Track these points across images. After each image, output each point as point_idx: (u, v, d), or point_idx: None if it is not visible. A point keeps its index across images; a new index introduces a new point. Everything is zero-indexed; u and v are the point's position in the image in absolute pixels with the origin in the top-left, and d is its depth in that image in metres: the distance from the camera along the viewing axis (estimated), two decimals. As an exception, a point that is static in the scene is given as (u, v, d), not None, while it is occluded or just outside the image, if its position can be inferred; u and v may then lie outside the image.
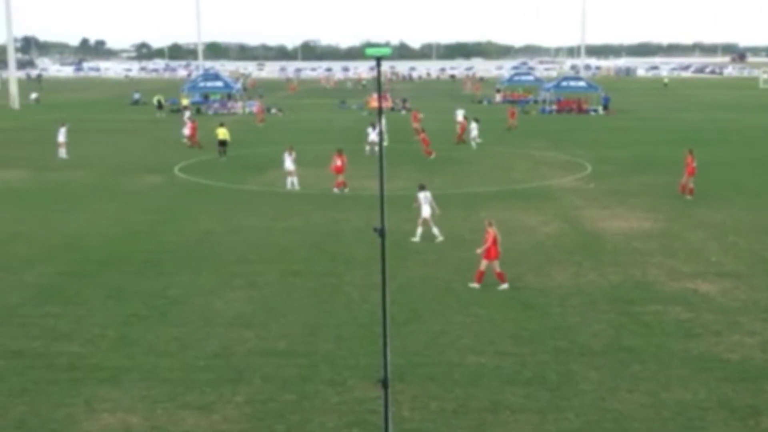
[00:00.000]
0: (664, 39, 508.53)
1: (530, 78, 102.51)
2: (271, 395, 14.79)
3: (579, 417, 13.90)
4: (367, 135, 48.41)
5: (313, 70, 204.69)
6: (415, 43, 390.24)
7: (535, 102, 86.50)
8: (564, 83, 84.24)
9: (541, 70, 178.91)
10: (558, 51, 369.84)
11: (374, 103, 77.09)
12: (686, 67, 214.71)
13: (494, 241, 21.14)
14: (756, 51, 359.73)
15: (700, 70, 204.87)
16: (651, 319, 18.84)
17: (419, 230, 26.43)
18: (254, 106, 79.43)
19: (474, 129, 51.54)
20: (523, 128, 62.38)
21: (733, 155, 47.28)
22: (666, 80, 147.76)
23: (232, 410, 14.23)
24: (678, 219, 29.69)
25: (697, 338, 17.60)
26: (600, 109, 78.95)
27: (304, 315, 19.23)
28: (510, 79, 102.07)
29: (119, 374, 15.74)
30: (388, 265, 10.77)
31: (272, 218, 30.15)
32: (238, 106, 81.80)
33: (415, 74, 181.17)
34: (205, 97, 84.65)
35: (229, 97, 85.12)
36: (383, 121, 52.60)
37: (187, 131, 52.82)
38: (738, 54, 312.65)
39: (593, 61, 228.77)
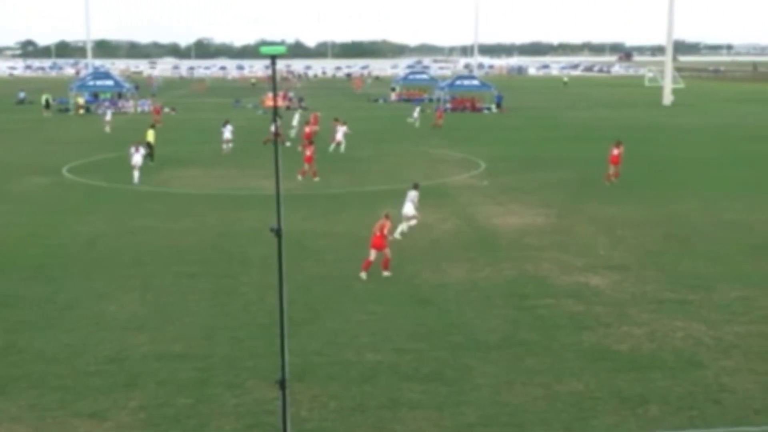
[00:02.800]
0: (555, 38, 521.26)
1: (425, 77, 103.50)
2: (167, 400, 14.52)
3: (476, 411, 14.12)
4: (221, 133, 48.63)
5: (207, 68, 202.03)
6: (311, 42, 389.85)
7: (430, 101, 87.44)
8: (458, 82, 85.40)
9: (436, 69, 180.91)
10: (452, 50, 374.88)
11: (270, 102, 76.49)
12: (575, 66, 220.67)
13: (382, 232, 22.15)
14: (641, 50, 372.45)
15: (589, 68, 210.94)
16: (544, 313, 19.29)
17: (413, 222, 26.89)
18: (146, 104, 77.95)
19: (340, 132, 48.65)
20: (419, 127, 62.99)
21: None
22: (566, 78, 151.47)
23: (126, 416, 13.92)
24: (570, 214, 30.48)
25: (589, 330, 18.11)
26: (493, 107, 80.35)
27: (201, 317, 18.96)
28: (405, 78, 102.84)
29: (6, 383, 15.19)
30: (286, 265, 10.73)
31: (166, 219, 29.61)
32: (130, 105, 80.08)
33: (310, 73, 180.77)
34: (95, 96, 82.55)
35: (120, 96, 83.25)
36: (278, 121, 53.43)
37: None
38: (625, 53, 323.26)
39: (486, 60, 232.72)
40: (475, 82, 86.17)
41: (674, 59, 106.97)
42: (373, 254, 22.09)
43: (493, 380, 15.39)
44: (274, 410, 13.28)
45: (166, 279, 22.02)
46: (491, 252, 24.94)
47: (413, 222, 26.94)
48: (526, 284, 21.61)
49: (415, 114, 66.27)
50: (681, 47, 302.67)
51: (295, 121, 55.97)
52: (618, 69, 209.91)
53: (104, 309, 19.46)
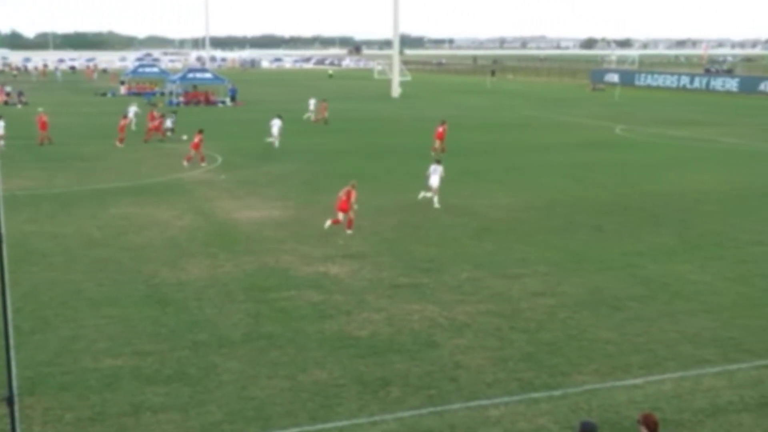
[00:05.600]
0: (287, 31, 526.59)
1: (155, 70, 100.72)
2: None
3: (221, 409, 13.95)
4: None
5: None
6: (30, 33, 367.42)
7: (162, 94, 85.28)
8: (190, 75, 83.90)
9: (166, 61, 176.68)
10: (182, 42, 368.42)
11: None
12: (308, 59, 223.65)
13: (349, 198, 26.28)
14: (370, 44, 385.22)
15: (321, 62, 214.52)
16: (287, 305, 19.42)
17: (435, 198, 30.63)
18: None
19: (275, 126, 48.02)
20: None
21: (351, 143, 50.12)
22: (331, 71, 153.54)
23: None
24: (307, 206, 30.88)
25: (330, 319, 18.45)
26: (228, 100, 79.76)
27: None
28: (134, 71, 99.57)
29: None
30: (9, 271, 10.03)
31: None
32: None
33: (30, 66, 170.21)
34: None
35: None
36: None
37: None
38: (354, 47, 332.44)
39: (219, 53, 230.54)
40: (208, 75, 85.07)
41: (401, 53, 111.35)
42: (340, 215, 26.27)
43: (238, 376, 15.29)
44: (3, 429, 12.39)
45: None
46: (231, 247, 24.75)
47: (430, 194, 30.77)
48: (267, 277, 21.65)
49: (169, 123, 53.74)
50: (407, 41, 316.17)
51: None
52: (348, 62, 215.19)
53: None
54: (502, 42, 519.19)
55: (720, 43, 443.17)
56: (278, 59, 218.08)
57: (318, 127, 59.26)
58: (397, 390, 14.73)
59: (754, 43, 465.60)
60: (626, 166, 40.93)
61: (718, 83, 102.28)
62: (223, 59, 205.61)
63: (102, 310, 18.87)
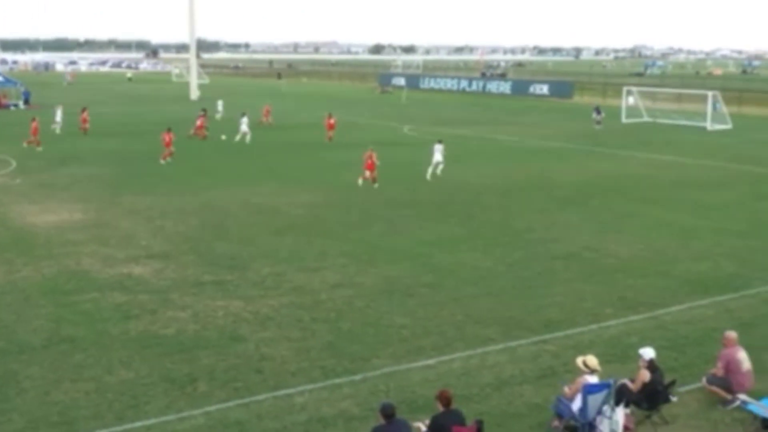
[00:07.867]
0: (81, 35, 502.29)
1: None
2: None
3: (23, 417, 13.14)
4: None
5: None
6: None
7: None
8: (-21, 78, 78.55)
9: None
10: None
11: None
12: (104, 62, 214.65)
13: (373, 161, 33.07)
14: (167, 47, 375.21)
15: (117, 65, 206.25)
16: (89, 307, 18.57)
17: (429, 170, 35.67)
18: None
19: (244, 124, 49.78)
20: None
21: (153, 146, 48.58)
22: (130, 74, 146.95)
23: None
24: (108, 208, 29.66)
25: (135, 319, 17.81)
26: (21, 103, 75.28)
27: None
28: None
29: None
30: None
31: None
32: None
33: None
34: None
35: None
36: None
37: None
38: (152, 50, 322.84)
39: (9, 56, 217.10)
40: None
41: (198, 56, 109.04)
42: (367, 173, 32.84)
43: (40, 382, 14.46)
44: None
45: None
46: (29, 251, 23.37)
47: (441, 166, 35.67)
48: (68, 280, 20.61)
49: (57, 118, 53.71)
50: (203, 45, 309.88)
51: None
52: (146, 66, 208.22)
53: None
54: (296, 47, 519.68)
55: (494, 50, 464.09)
56: (73, 62, 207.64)
57: (104, 130, 56.89)
58: (204, 385, 14.44)
59: (523, 50, 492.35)
60: (415, 163, 42.03)
61: (493, 86, 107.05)
62: (15, 62, 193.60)
63: None
